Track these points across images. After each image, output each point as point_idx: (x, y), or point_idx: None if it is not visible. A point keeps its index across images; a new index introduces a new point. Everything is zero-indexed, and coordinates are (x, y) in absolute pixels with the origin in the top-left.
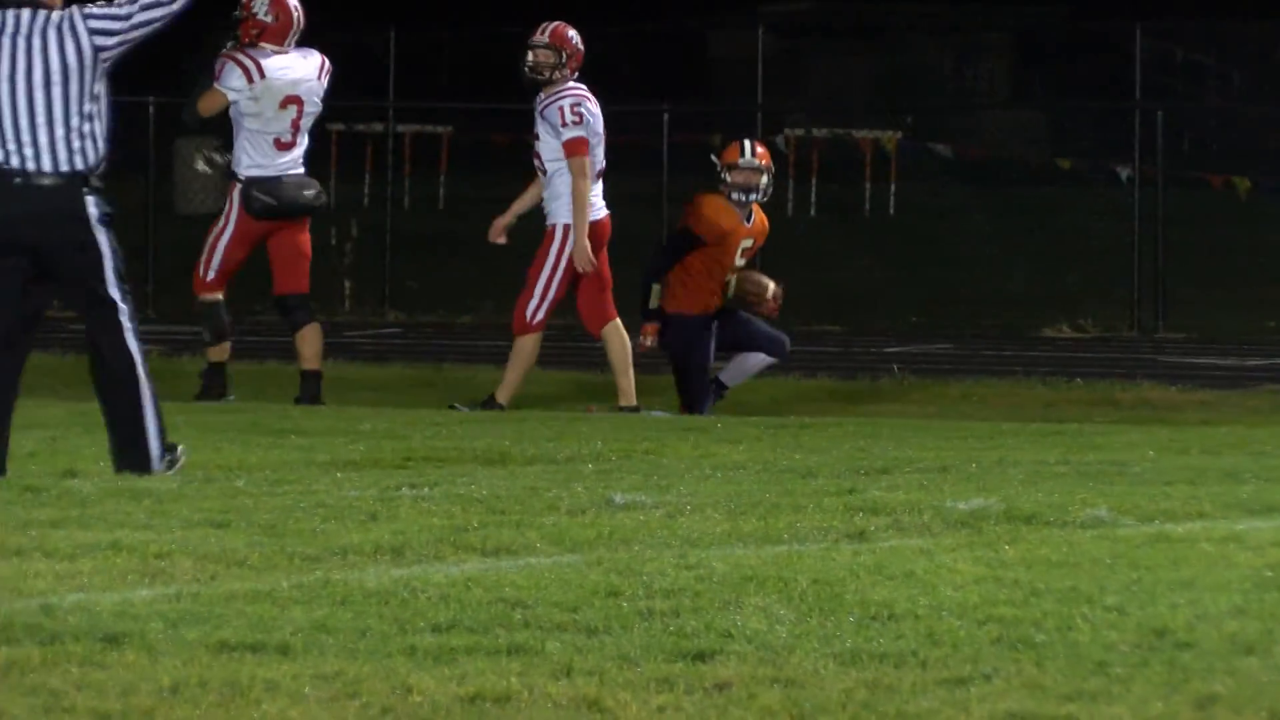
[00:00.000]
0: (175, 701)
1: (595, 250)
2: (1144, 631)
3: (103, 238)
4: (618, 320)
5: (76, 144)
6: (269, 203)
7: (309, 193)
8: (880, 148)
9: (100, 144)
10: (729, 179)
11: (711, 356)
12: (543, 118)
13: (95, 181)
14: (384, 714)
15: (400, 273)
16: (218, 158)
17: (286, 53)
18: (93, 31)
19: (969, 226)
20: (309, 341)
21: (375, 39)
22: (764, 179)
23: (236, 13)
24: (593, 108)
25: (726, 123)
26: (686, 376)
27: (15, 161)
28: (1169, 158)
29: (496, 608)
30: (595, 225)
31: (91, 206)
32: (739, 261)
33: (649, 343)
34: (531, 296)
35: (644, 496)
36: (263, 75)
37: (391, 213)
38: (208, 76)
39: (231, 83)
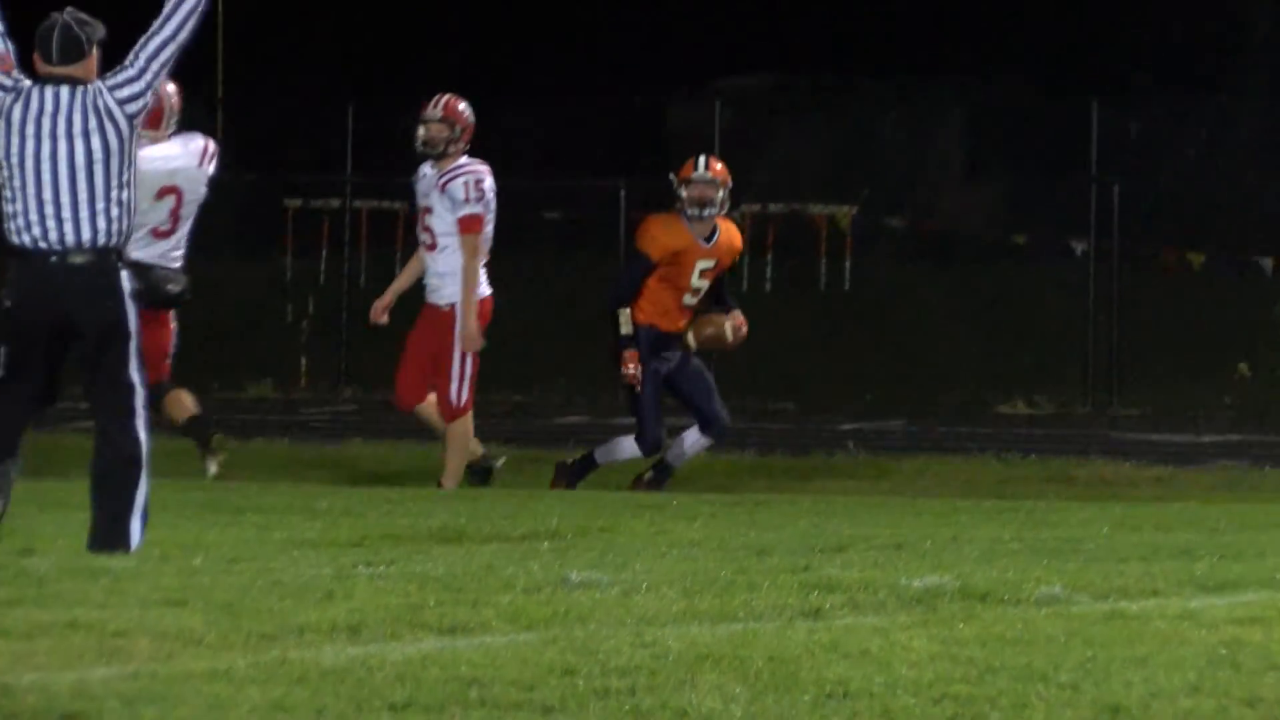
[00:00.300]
0: None
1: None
2: (1099, 709)
3: (132, 316)
4: (432, 398)
5: (114, 213)
6: (137, 287)
7: (174, 288)
8: (835, 223)
9: (133, 212)
10: (684, 194)
11: (653, 386)
12: (444, 192)
13: (127, 255)
14: None
15: (356, 350)
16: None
17: (165, 140)
18: (121, 102)
19: (924, 302)
20: (174, 404)
21: (333, 115)
22: (720, 193)
23: None
24: (492, 184)
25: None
26: (633, 396)
27: (53, 238)
28: (1124, 233)
29: (453, 686)
30: (480, 303)
31: (125, 281)
32: (697, 282)
33: (632, 369)
34: (451, 381)
35: (600, 574)
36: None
37: (348, 290)
38: None
39: None
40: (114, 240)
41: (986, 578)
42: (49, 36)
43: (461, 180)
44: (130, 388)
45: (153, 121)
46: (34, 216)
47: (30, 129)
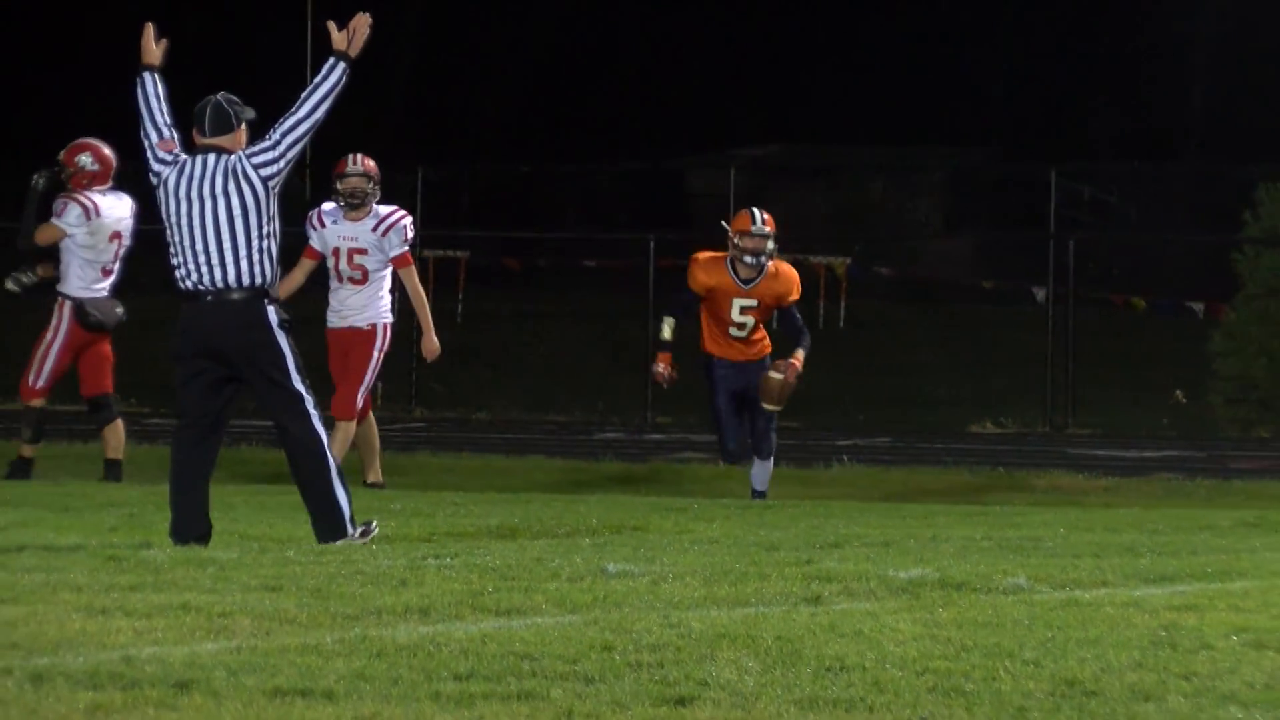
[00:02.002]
0: None
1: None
2: (1057, 682)
3: (282, 340)
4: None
5: (256, 259)
6: (102, 319)
7: (120, 311)
8: (832, 270)
9: (275, 258)
10: (740, 244)
11: (725, 402)
12: (385, 236)
13: (274, 292)
14: None
15: (425, 376)
16: (24, 279)
17: (108, 195)
18: (258, 167)
19: (907, 338)
20: (116, 434)
21: (404, 176)
22: (770, 244)
23: (58, 168)
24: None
25: (704, 249)
26: (710, 411)
27: (207, 281)
28: (1078, 280)
29: (509, 660)
30: (385, 327)
31: (271, 315)
32: (738, 317)
33: (660, 369)
34: (360, 386)
35: (633, 566)
36: (99, 214)
37: (417, 325)
38: (38, 210)
39: (71, 220)
40: (259, 281)
41: (962, 570)
42: (203, 113)
43: (402, 225)
44: (298, 395)
45: (104, 179)
46: (191, 265)
47: (183, 191)
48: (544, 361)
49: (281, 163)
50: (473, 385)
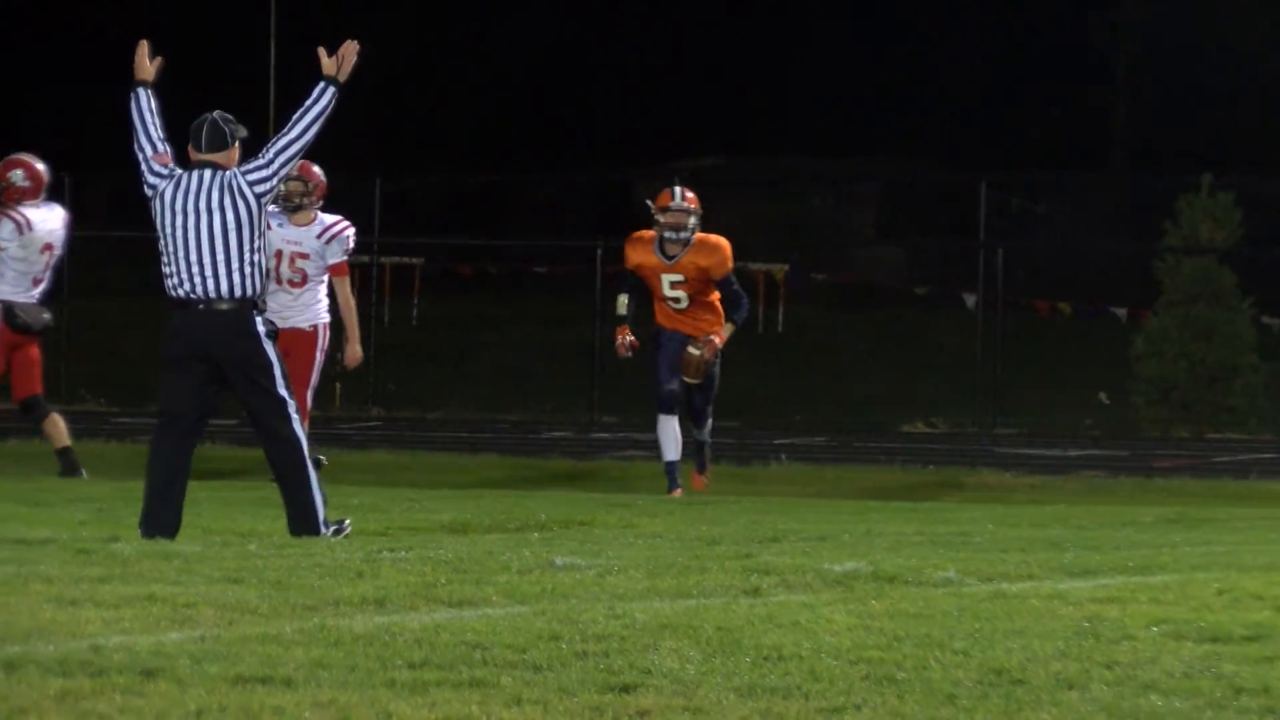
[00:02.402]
0: None
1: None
2: (985, 670)
3: (268, 348)
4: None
5: (248, 271)
6: (28, 322)
7: (46, 316)
8: (771, 277)
9: (264, 270)
10: (662, 220)
11: (664, 358)
12: (330, 243)
13: (261, 304)
14: None
15: (382, 377)
16: None
17: (40, 208)
18: (252, 184)
19: (843, 342)
20: (56, 426)
21: (363, 186)
22: (692, 219)
23: None
24: None
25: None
26: (652, 369)
27: (199, 291)
28: (1006, 287)
29: (460, 649)
30: (325, 327)
31: (259, 325)
32: (670, 292)
33: (619, 341)
34: (307, 388)
35: (580, 559)
36: (31, 229)
37: (374, 328)
38: None
39: (4, 235)
40: (248, 292)
41: (894, 564)
42: (200, 129)
43: (345, 235)
44: (282, 400)
45: (35, 194)
46: (184, 275)
47: (178, 204)
48: (495, 363)
49: (274, 180)
50: (427, 386)
